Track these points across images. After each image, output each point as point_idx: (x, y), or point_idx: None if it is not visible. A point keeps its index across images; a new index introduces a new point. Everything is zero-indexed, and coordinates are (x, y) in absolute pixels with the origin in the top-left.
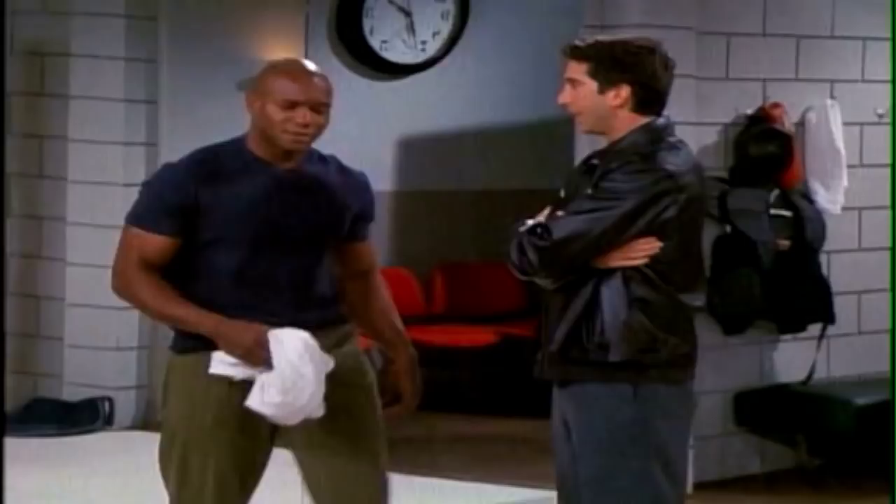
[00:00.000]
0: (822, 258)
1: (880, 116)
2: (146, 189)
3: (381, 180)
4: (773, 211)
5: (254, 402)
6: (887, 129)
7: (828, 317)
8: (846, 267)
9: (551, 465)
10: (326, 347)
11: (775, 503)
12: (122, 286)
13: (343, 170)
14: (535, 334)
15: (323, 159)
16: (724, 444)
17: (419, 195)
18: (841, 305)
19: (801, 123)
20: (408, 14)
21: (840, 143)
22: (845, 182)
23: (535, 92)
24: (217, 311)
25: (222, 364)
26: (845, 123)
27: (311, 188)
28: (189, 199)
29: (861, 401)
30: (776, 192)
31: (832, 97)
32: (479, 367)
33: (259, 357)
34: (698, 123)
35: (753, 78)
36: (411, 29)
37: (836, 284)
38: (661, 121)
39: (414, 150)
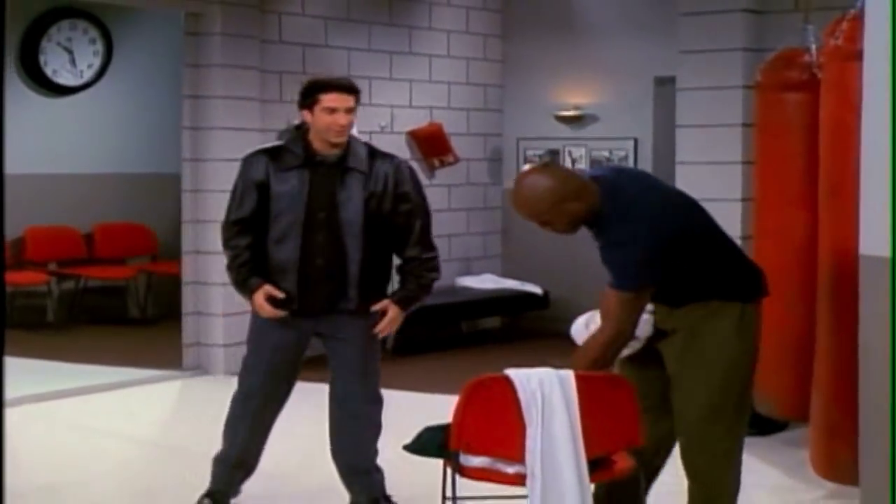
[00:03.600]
0: None
1: (382, 128)
2: (637, 254)
3: (54, 165)
4: None
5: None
6: (389, 136)
7: None
8: None
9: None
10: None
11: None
12: (617, 335)
13: None
14: (174, 270)
15: None
16: None
17: (85, 178)
18: None
19: None
20: (70, 52)
21: None
22: None
23: (161, 105)
24: None
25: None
26: (360, 131)
27: None
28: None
29: None
30: None
31: None
32: (126, 293)
33: None
34: (262, 130)
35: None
36: (73, 62)
37: None
38: None
39: (80, 143)
